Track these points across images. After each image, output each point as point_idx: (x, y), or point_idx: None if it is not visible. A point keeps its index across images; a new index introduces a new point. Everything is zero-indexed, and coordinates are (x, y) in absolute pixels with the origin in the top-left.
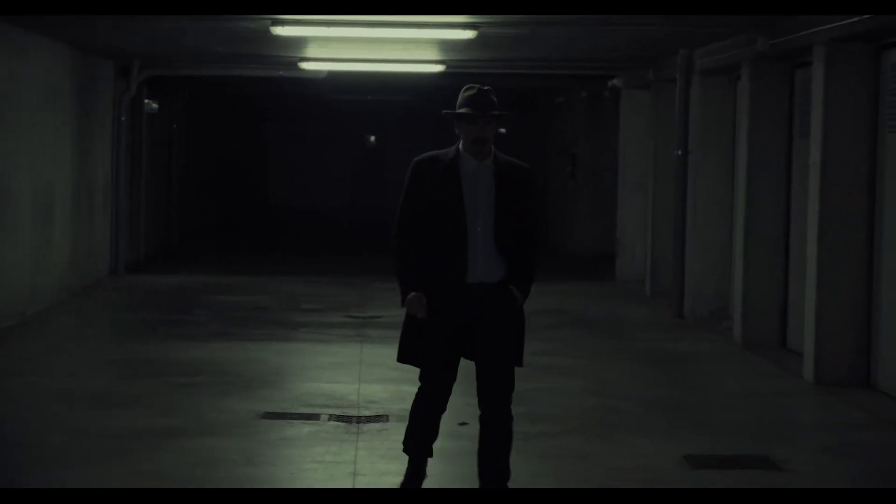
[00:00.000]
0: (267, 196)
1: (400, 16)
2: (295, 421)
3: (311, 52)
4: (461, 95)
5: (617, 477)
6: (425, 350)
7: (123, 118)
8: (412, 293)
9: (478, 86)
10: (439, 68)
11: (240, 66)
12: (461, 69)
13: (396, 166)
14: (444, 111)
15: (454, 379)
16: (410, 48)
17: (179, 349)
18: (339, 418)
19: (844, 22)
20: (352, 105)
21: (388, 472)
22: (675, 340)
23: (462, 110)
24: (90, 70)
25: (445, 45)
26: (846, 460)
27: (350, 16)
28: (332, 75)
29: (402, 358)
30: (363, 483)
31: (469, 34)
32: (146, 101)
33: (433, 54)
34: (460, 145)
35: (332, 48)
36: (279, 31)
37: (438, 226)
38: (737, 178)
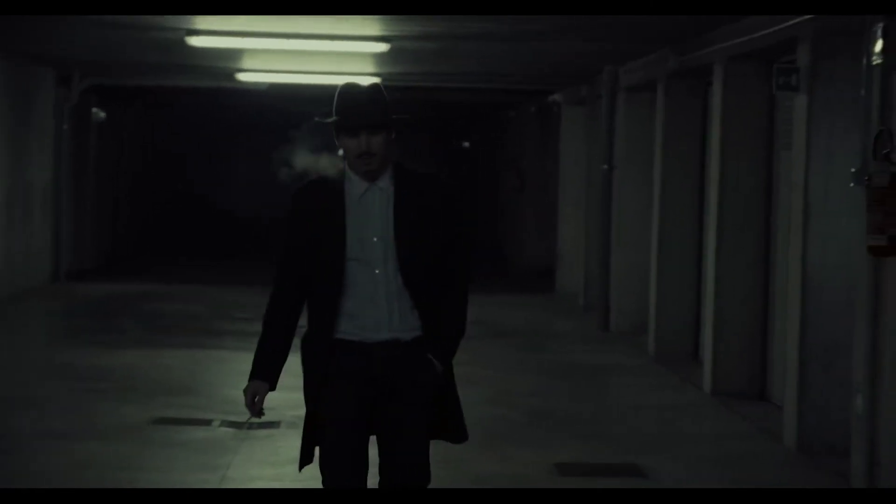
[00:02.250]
0: (214, 203)
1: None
2: (187, 427)
3: (246, 63)
4: (337, 97)
5: (481, 483)
6: (324, 445)
7: (65, 126)
8: (253, 382)
9: (356, 84)
10: (374, 81)
11: (178, 76)
12: (398, 82)
13: None
14: (316, 118)
15: (365, 471)
16: (343, 60)
17: (95, 355)
18: (231, 424)
19: (741, 40)
20: (296, 117)
21: (258, 476)
22: (592, 353)
23: (338, 119)
24: (26, 78)
25: (378, 58)
26: (713, 469)
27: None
28: (274, 87)
29: (305, 460)
30: (227, 487)
31: (382, 47)
32: (93, 109)
33: (367, 67)
34: (346, 165)
35: (266, 60)
36: (194, 41)
37: (320, 272)
38: (653, 194)
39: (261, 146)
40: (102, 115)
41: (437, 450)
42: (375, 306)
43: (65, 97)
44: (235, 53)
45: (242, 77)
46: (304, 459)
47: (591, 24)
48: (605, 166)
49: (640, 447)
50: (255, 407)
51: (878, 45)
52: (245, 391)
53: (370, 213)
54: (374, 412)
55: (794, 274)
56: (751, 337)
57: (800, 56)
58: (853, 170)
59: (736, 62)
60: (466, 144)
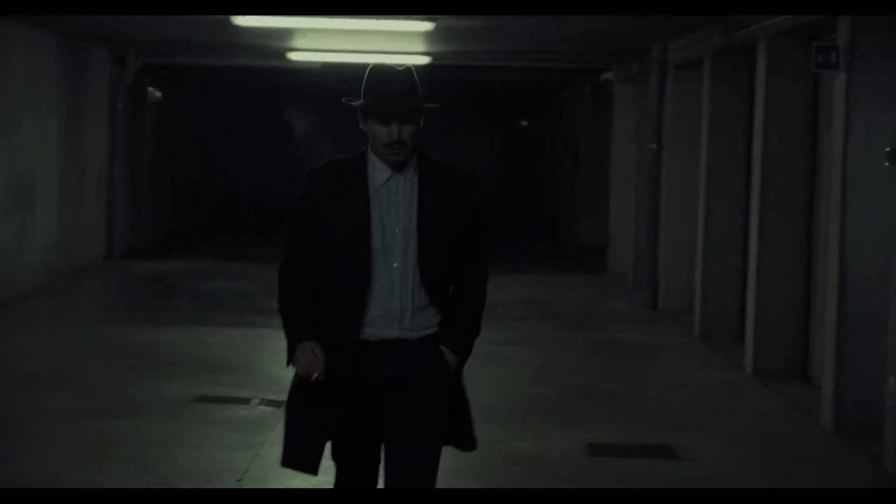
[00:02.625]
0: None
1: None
2: (226, 404)
3: (296, 43)
4: (367, 80)
5: (513, 462)
6: (334, 446)
7: (120, 105)
8: (304, 342)
9: (389, 66)
10: (425, 60)
11: (230, 55)
12: (448, 61)
13: None
14: (344, 100)
15: (376, 476)
16: (395, 39)
17: (142, 332)
18: (270, 402)
19: (784, 17)
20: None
21: None
22: (637, 332)
23: (368, 104)
24: (82, 57)
25: (428, 36)
26: (746, 449)
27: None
28: (328, 66)
29: (289, 460)
30: (259, 464)
31: (427, 25)
32: (149, 89)
33: (417, 46)
34: (370, 149)
35: (316, 39)
36: (239, 20)
37: (337, 262)
38: (699, 172)
39: (318, 125)
40: (158, 94)
41: (477, 430)
42: (389, 301)
43: (120, 77)
44: (283, 33)
45: (293, 56)
46: (296, 459)
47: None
48: (654, 145)
49: (674, 426)
50: (319, 361)
51: None
52: (298, 355)
53: (393, 203)
54: (384, 413)
55: (832, 252)
56: (793, 316)
57: (839, 34)
58: (888, 149)
59: (779, 39)
60: (524, 123)
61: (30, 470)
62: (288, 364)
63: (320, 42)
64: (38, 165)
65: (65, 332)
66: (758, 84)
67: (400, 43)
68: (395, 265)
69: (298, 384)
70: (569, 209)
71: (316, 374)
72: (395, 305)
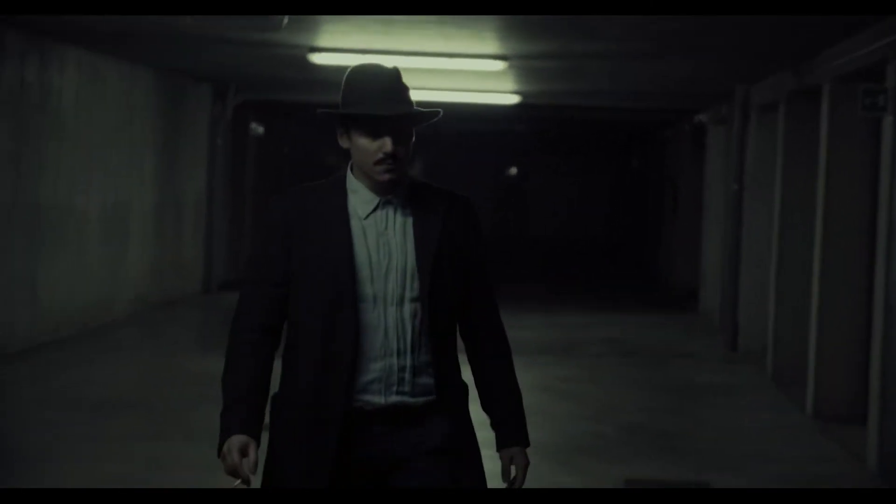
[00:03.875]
0: None
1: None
2: None
3: None
4: (348, 83)
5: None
6: None
7: (220, 140)
8: (233, 438)
9: (376, 65)
10: (515, 99)
11: (321, 92)
12: (538, 100)
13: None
14: (319, 110)
15: None
16: (484, 78)
17: (221, 363)
18: None
19: (843, 60)
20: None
21: None
22: (711, 372)
23: (354, 110)
24: (179, 92)
25: (520, 75)
26: (783, 488)
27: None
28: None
29: None
30: None
31: (500, 65)
32: (252, 124)
33: (507, 85)
34: (350, 172)
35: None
36: (316, 58)
37: (314, 316)
38: (773, 215)
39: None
40: (261, 129)
41: None
42: (383, 359)
43: (220, 112)
44: None
45: None
46: None
47: (704, 43)
48: (735, 186)
49: (719, 466)
50: (250, 462)
51: None
52: (224, 452)
53: (383, 238)
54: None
55: (879, 293)
56: (854, 360)
57: (889, 76)
58: None
59: (841, 83)
60: (633, 164)
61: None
62: (218, 456)
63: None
64: (133, 197)
65: (145, 361)
66: (822, 127)
67: (488, 82)
68: (390, 315)
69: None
70: (668, 250)
71: (238, 482)
72: (391, 364)
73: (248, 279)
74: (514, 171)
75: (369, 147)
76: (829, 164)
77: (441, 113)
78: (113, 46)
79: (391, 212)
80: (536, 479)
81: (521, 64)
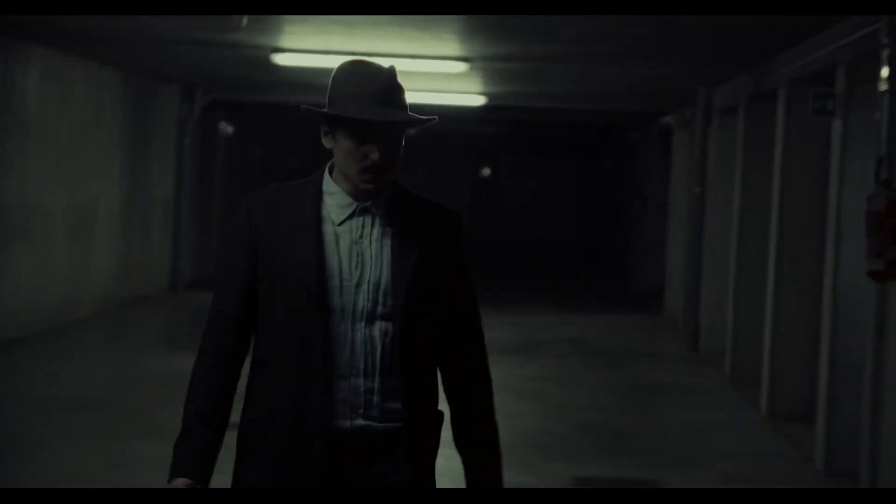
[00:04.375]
0: None
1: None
2: None
3: None
4: (338, 80)
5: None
6: None
7: (188, 139)
8: (178, 479)
9: (369, 64)
10: (481, 100)
11: (287, 93)
12: (505, 102)
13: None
14: (303, 106)
15: None
16: (450, 80)
17: (184, 362)
18: None
19: (798, 64)
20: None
21: None
22: (670, 373)
23: (342, 112)
24: (148, 93)
25: (485, 76)
26: (731, 487)
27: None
28: None
29: None
30: None
31: (461, 67)
32: (221, 124)
33: (473, 86)
34: (327, 173)
35: None
36: (279, 59)
37: (278, 320)
38: (732, 216)
39: None
40: (230, 129)
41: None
42: (348, 379)
43: (188, 112)
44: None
45: None
46: None
47: (662, 46)
48: (697, 188)
49: (669, 464)
50: None
51: (885, 72)
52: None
53: (357, 247)
54: None
55: (827, 296)
56: (806, 360)
57: (837, 81)
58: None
59: (795, 86)
60: (602, 166)
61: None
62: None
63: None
64: (100, 196)
65: (111, 360)
66: (777, 130)
67: (454, 83)
68: (360, 330)
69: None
70: (636, 252)
71: None
72: (357, 384)
73: (216, 289)
74: (487, 171)
75: (355, 152)
76: (784, 167)
77: (437, 119)
78: (79, 47)
79: (369, 220)
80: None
81: (483, 66)
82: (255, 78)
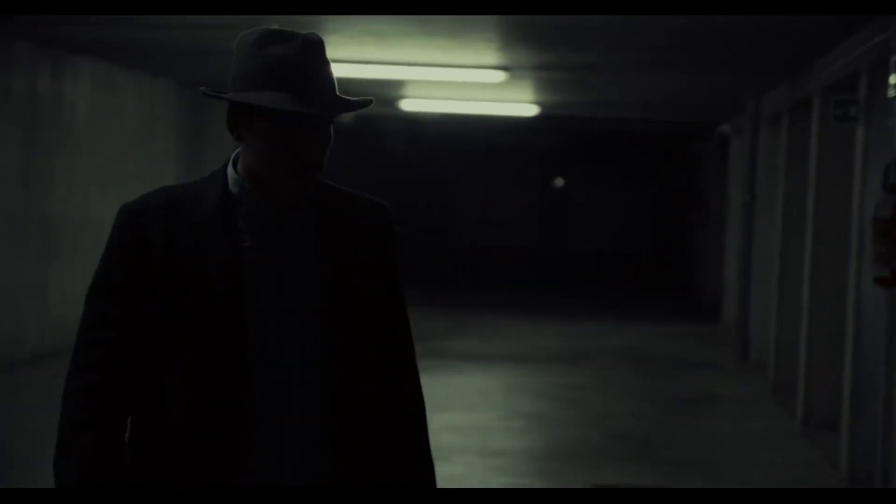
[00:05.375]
0: None
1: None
2: None
3: (408, 92)
4: (249, 54)
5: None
6: None
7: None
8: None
9: (293, 34)
10: (533, 110)
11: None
12: (559, 111)
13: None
14: (204, 89)
15: None
16: (498, 89)
17: None
18: None
19: (829, 71)
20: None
21: None
22: (716, 382)
23: (271, 102)
24: (201, 102)
25: (534, 85)
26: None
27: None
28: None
29: None
30: None
31: (500, 76)
32: None
33: (523, 94)
34: (233, 167)
35: (423, 89)
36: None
37: (181, 370)
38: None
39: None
40: None
41: (486, 459)
42: (283, 425)
43: None
44: (393, 83)
45: (404, 106)
46: None
47: (696, 55)
48: (747, 198)
49: (694, 473)
50: None
51: (893, 78)
52: None
53: (279, 259)
54: None
55: (850, 304)
56: (838, 368)
57: (860, 88)
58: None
59: (827, 94)
60: (673, 178)
61: None
62: None
63: (426, 91)
64: None
65: None
66: (812, 138)
67: (503, 92)
68: (292, 364)
69: None
70: (698, 262)
71: None
72: (294, 432)
73: (83, 321)
74: (560, 181)
75: (280, 146)
76: (819, 175)
77: (373, 101)
78: (130, 59)
79: (292, 229)
80: (507, 480)
81: (523, 74)
82: None
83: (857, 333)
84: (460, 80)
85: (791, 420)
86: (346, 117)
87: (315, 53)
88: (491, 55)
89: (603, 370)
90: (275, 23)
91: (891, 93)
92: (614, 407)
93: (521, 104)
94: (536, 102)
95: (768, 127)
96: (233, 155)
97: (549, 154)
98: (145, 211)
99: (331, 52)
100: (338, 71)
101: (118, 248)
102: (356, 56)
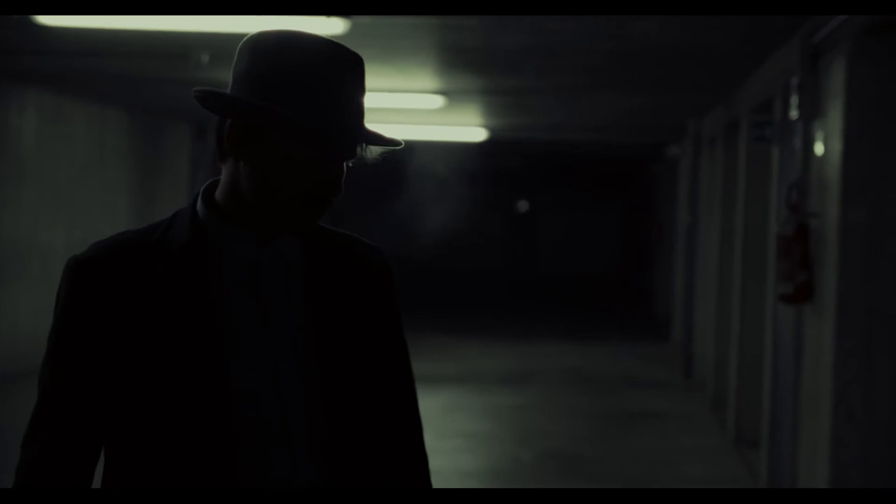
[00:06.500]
0: None
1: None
2: None
3: None
4: (289, 65)
5: None
6: None
7: (202, 176)
8: None
9: (337, 47)
10: (482, 134)
11: None
12: (509, 134)
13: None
14: (198, 90)
15: None
16: (456, 114)
17: None
18: None
19: (749, 95)
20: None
21: None
22: (657, 399)
23: (316, 123)
24: (155, 132)
25: (482, 109)
26: None
27: None
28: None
29: None
30: None
31: (438, 101)
32: None
33: (473, 118)
34: (200, 201)
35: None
36: None
37: (157, 448)
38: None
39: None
40: None
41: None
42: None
43: (200, 150)
44: None
45: None
46: None
47: (622, 77)
48: (689, 218)
49: (617, 489)
50: None
51: (794, 100)
52: None
53: (267, 309)
54: None
55: (769, 321)
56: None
57: (775, 109)
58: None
59: (752, 116)
60: (635, 198)
61: None
62: None
63: (377, 118)
64: (106, 234)
65: None
66: (739, 159)
67: (457, 117)
68: (278, 430)
69: None
70: (654, 282)
71: None
72: None
73: (40, 405)
74: (524, 205)
75: (305, 177)
76: (747, 195)
77: (402, 145)
78: (79, 89)
79: (280, 267)
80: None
81: (461, 99)
82: None
83: (775, 350)
84: (398, 107)
85: (724, 436)
86: None
87: (360, 74)
88: (427, 80)
89: (547, 390)
90: (204, 55)
91: (793, 115)
92: (552, 425)
93: (470, 128)
94: (484, 126)
95: (708, 148)
96: (202, 189)
97: (513, 177)
98: (98, 262)
99: None
100: None
101: (68, 309)
102: None
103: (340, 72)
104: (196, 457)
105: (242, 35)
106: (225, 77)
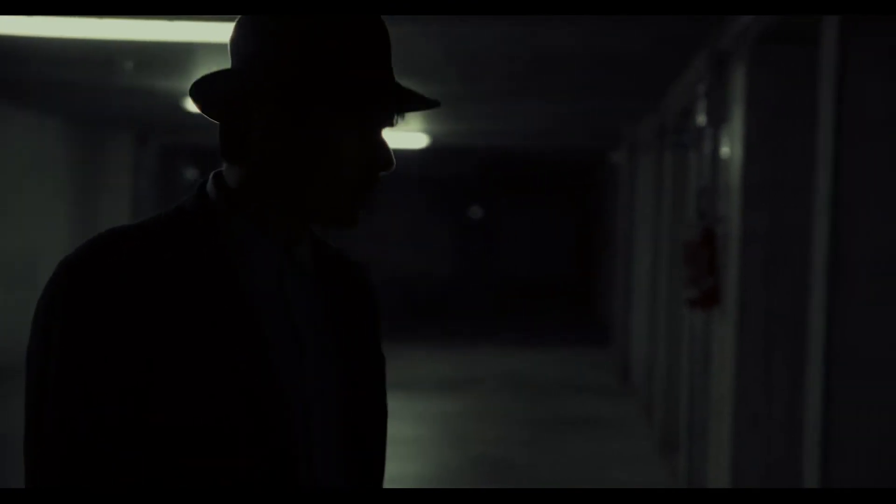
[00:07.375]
0: None
1: None
2: None
3: None
4: (319, 33)
5: None
6: None
7: (144, 185)
8: None
9: (368, 16)
10: (424, 140)
11: None
12: (450, 140)
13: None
14: (198, 76)
15: None
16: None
17: None
18: None
19: (677, 98)
20: None
21: None
22: (592, 405)
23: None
24: (94, 140)
25: (418, 114)
26: None
27: None
28: None
29: None
30: None
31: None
32: (188, 168)
33: (415, 123)
34: (212, 194)
35: None
36: (191, 105)
37: (201, 460)
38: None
39: None
40: (196, 174)
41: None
42: None
43: (141, 158)
44: None
45: None
46: None
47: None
48: (627, 224)
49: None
50: None
51: (702, 106)
52: None
53: (293, 321)
54: None
55: (687, 328)
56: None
57: (691, 116)
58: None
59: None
60: (587, 202)
61: None
62: None
63: None
64: (44, 244)
65: None
66: (664, 164)
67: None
68: (316, 469)
69: None
70: (599, 285)
71: None
72: None
73: (54, 431)
74: (476, 211)
75: (359, 153)
76: (673, 200)
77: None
78: (17, 96)
79: (298, 276)
80: None
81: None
82: (200, 121)
83: (690, 355)
84: None
85: (650, 442)
86: None
87: (385, 36)
88: None
89: (486, 395)
90: (129, 63)
91: (701, 121)
92: (486, 431)
93: (411, 133)
94: (425, 132)
95: (644, 154)
96: (209, 182)
97: (465, 183)
98: (107, 274)
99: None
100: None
101: (79, 329)
102: None
103: (378, 40)
104: (256, 468)
105: (168, 43)
106: (151, 85)
